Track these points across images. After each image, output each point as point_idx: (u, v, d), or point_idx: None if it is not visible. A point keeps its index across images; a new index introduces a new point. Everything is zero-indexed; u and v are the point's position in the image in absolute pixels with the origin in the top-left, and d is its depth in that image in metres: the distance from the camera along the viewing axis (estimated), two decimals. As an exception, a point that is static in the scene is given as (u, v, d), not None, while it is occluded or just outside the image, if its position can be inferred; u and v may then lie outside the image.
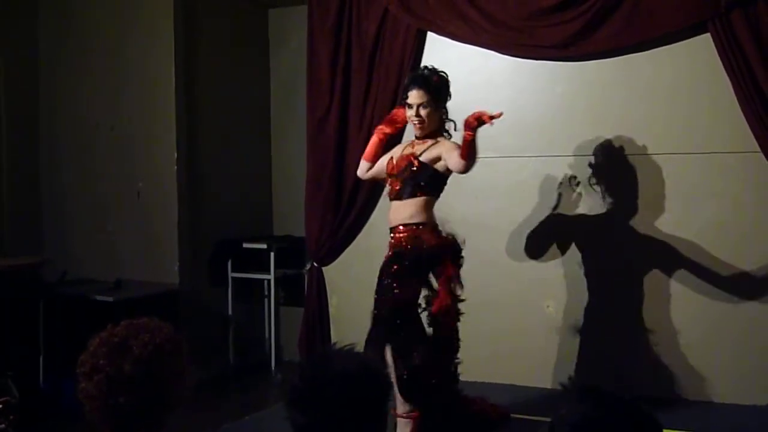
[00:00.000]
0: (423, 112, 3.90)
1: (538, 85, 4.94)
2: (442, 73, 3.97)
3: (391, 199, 4.08)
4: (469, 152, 3.74)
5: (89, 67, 5.54)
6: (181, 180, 5.32)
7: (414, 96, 3.91)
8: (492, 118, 3.65)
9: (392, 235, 3.99)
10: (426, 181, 3.94)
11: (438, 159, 3.92)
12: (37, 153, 5.68)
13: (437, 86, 3.92)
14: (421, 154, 3.94)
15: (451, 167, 3.89)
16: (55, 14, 5.64)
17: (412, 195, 3.95)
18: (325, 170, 5.20)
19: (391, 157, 4.12)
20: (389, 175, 4.08)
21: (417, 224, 3.93)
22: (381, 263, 4.02)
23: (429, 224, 3.96)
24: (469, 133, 3.69)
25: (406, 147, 4.10)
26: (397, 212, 3.98)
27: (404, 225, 3.93)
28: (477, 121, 3.67)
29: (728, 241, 4.54)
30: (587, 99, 4.84)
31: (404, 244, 3.91)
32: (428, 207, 3.98)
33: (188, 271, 5.37)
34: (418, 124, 3.94)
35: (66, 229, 5.63)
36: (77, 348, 1.89)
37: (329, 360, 1.73)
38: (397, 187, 3.99)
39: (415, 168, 3.92)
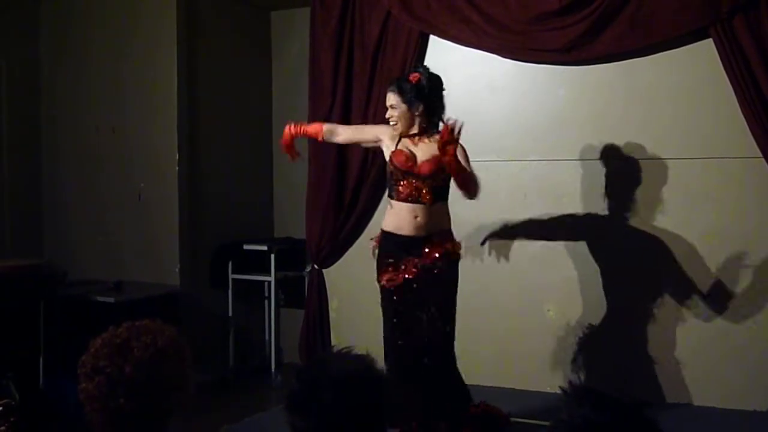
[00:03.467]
0: (393, 112, 3.93)
1: (540, 89, 4.94)
2: (423, 73, 3.93)
3: (406, 202, 3.88)
4: (468, 188, 3.74)
5: (91, 69, 5.55)
6: (182, 182, 5.32)
7: (387, 98, 3.98)
8: (452, 131, 3.53)
9: (423, 248, 3.85)
10: (448, 184, 3.93)
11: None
12: (39, 154, 5.69)
13: (413, 87, 3.89)
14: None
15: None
16: (56, 17, 5.65)
17: (441, 198, 3.91)
18: (327, 172, 5.20)
19: (401, 151, 3.93)
20: (403, 170, 3.88)
21: (450, 231, 3.93)
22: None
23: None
24: (455, 169, 3.62)
25: (404, 140, 3.97)
26: (429, 219, 3.85)
27: (442, 234, 3.88)
28: (449, 146, 3.54)
29: (729, 246, 4.53)
30: (589, 103, 4.84)
31: (445, 256, 3.85)
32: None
33: (189, 272, 5.37)
34: (392, 124, 3.97)
35: (67, 230, 5.63)
36: (78, 349, 1.89)
37: (328, 364, 1.72)
38: (425, 192, 3.85)
39: (446, 172, 3.80)
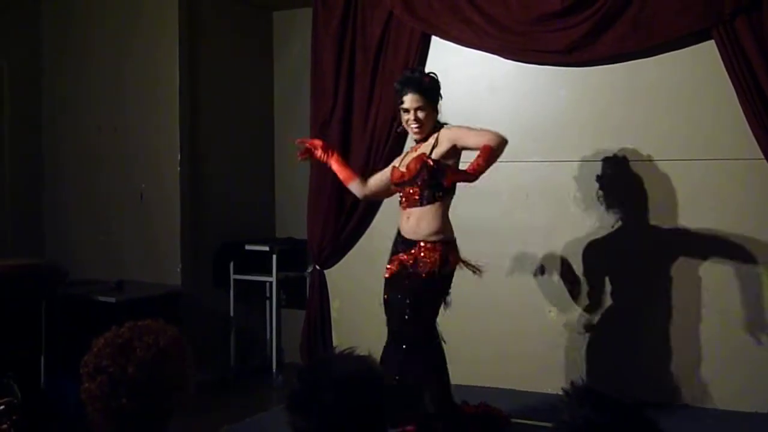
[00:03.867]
0: (421, 114, 3.86)
1: (542, 90, 4.94)
2: (432, 74, 3.95)
3: (405, 208, 3.91)
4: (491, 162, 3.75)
5: (92, 70, 5.55)
6: (183, 181, 5.32)
7: (410, 100, 3.87)
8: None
9: (410, 249, 3.84)
10: (441, 182, 3.86)
11: (449, 152, 3.83)
12: (41, 154, 5.70)
13: (430, 87, 3.89)
14: (431, 154, 3.83)
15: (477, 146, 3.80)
16: (58, 17, 5.65)
17: (432, 200, 3.85)
18: (328, 173, 5.17)
19: (395, 167, 4.04)
20: (399, 183, 3.94)
21: (444, 241, 3.85)
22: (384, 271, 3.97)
23: (452, 237, 3.91)
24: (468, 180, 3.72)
25: (407, 154, 4.04)
26: (418, 223, 3.84)
27: (429, 242, 3.82)
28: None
29: (731, 247, 4.53)
30: (590, 104, 4.84)
31: (430, 261, 3.80)
32: (447, 214, 3.90)
33: (190, 272, 5.37)
34: (417, 128, 3.89)
35: (68, 229, 5.64)
36: (79, 349, 1.89)
37: (329, 364, 1.72)
38: (414, 193, 3.85)
39: (430, 168, 3.79)
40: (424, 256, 3.81)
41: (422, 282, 3.80)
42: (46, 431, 4.35)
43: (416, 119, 3.87)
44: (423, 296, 3.83)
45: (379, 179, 4.20)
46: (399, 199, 4.00)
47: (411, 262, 3.83)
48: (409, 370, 3.83)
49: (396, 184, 3.98)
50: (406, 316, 3.82)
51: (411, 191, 3.88)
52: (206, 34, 5.57)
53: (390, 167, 4.14)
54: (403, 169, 3.95)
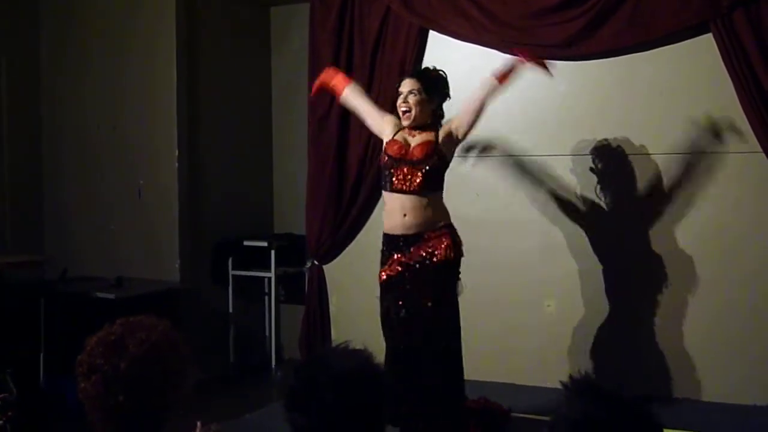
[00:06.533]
0: (411, 99, 3.82)
1: (540, 84, 4.90)
2: (441, 72, 3.94)
3: (399, 192, 3.81)
4: (510, 78, 3.86)
5: (91, 67, 5.54)
6: (182, 178, 5.32)
7: (405, 84, 3.87)
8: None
9: (415, 245, 3.78)
10: (443, 174, 3.86)
11: (448, 143, 3.85)
12: (40, 152, 5.69)
13: (432, 78, 3.88)
14: (437, 143, 3.82)
15: (462, 120, 3.85)
16: (56, 15, 5.64)
17: (434, 189, 3.83)
18: (326, 168, 5.20)
19: (395, 140, 3.90)
20: (398, 159, 3.83)
21: (449, 225, 3.84)
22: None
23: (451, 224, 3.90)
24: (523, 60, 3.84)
25: (401, 132, 3.91)
26: (419, 216, 3.79)
27: (434, 230, 3.79)
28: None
29: (728, 240, 4.53)
30: (588, 98, 4.83)
31: (441, 251, 3.76)
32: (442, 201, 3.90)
33: (189, 268, 5.36)
34: (405, 111, 3.84)
35: (67, 227, 5.63)
36: (78, 346, 1.88)
37: (327, 360, 1.72)
38: (414, 177, 3.79)
39: (440, 158, 3.79)
40: (439, 247, 3.76)
41: (443, 271, 3.78)
42: (46, 430, 4.35)
43: (405, 102, 3.83)
44: (445, 286, 3.80)
45: (366, 107, 4.10)
46: (386, 182, 3.87)
47: (418, 256, 3.77)
48: (432, 373, 3.79)
49: (391, 158, 3.86)
50: (427, 318, 3.76)
51: (411, 174, 3.79)
52: (204, 30, 5.56)
53: (379, 114, 4.04)
54: (401, 143, 3.87)
